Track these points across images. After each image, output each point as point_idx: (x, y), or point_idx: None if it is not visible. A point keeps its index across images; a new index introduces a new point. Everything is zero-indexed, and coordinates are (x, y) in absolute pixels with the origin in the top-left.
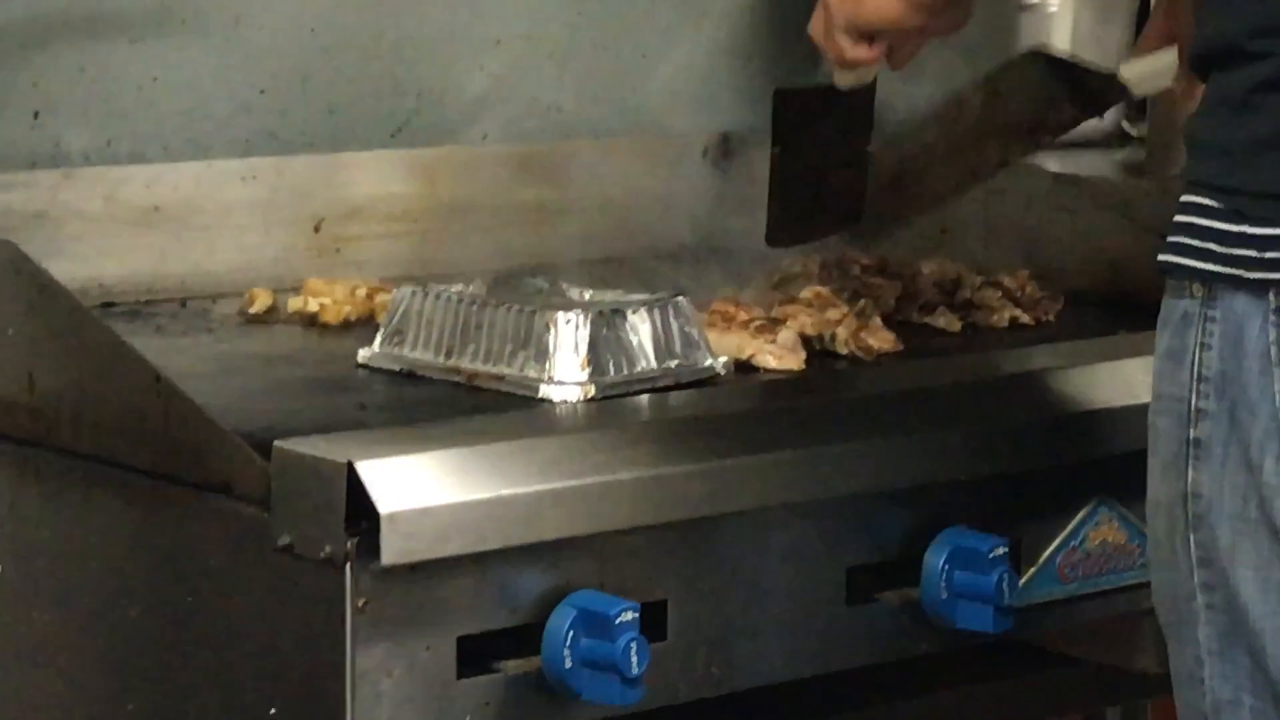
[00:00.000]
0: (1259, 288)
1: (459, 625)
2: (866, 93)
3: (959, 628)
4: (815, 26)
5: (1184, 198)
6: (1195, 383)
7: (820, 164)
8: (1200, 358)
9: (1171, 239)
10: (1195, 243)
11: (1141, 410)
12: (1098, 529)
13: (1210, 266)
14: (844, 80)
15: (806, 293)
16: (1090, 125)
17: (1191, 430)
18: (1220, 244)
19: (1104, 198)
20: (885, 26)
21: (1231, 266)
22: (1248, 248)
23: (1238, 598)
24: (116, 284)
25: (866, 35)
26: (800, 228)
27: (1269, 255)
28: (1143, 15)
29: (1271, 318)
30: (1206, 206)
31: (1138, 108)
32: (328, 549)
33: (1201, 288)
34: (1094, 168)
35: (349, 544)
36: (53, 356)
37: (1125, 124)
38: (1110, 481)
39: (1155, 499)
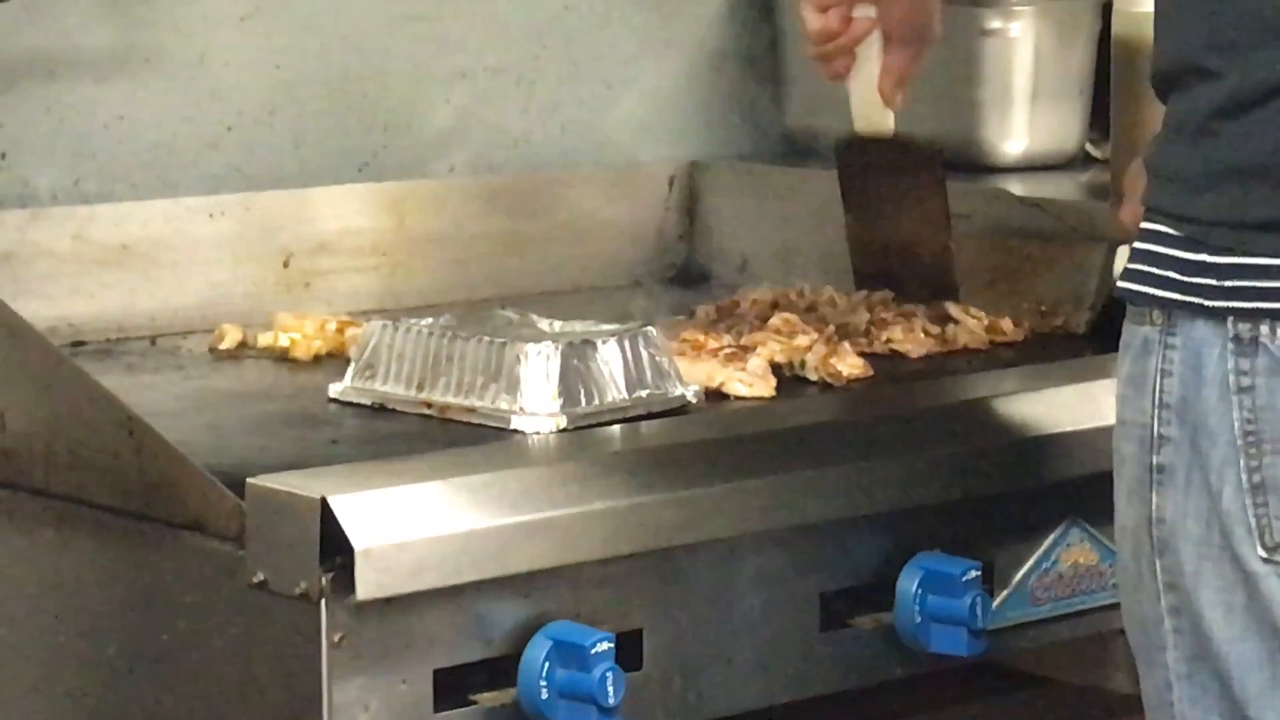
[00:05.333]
0: (1218, 316)
1: (435, 658)
2: (932, 154)
3: (933, 651)
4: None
5: (1143, 225)
6: (1157, 409)
7: (897, 237)
8: (1161, 384)
9: (1131, 266)
10: (1154, 270)
11: (1110, 432)
12: (1069, 550)
13: (1169, 294)
14: (859, 120)
15: (775, 320)
16: (1054, 147)
17: (1155, 456)
18: (1179, 272)
19: (1068, 220)
20: None
21: (1191, 295)
22: (1206, 276)
23: (1202, 622)
24: (86, 323)
25: (822, 5)
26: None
27: (1228, 284)
28: (1104, 39)
29: (1230, 345)
30: (1165, 234)
31: (1101, 129)
32: (302, 585)
33: (1161, 315)
34: (1058, 190)
35: (324, 579)
36: (24, 397)
37: (1089, 146)
38: (1081, 503)
39: (1122, 523)
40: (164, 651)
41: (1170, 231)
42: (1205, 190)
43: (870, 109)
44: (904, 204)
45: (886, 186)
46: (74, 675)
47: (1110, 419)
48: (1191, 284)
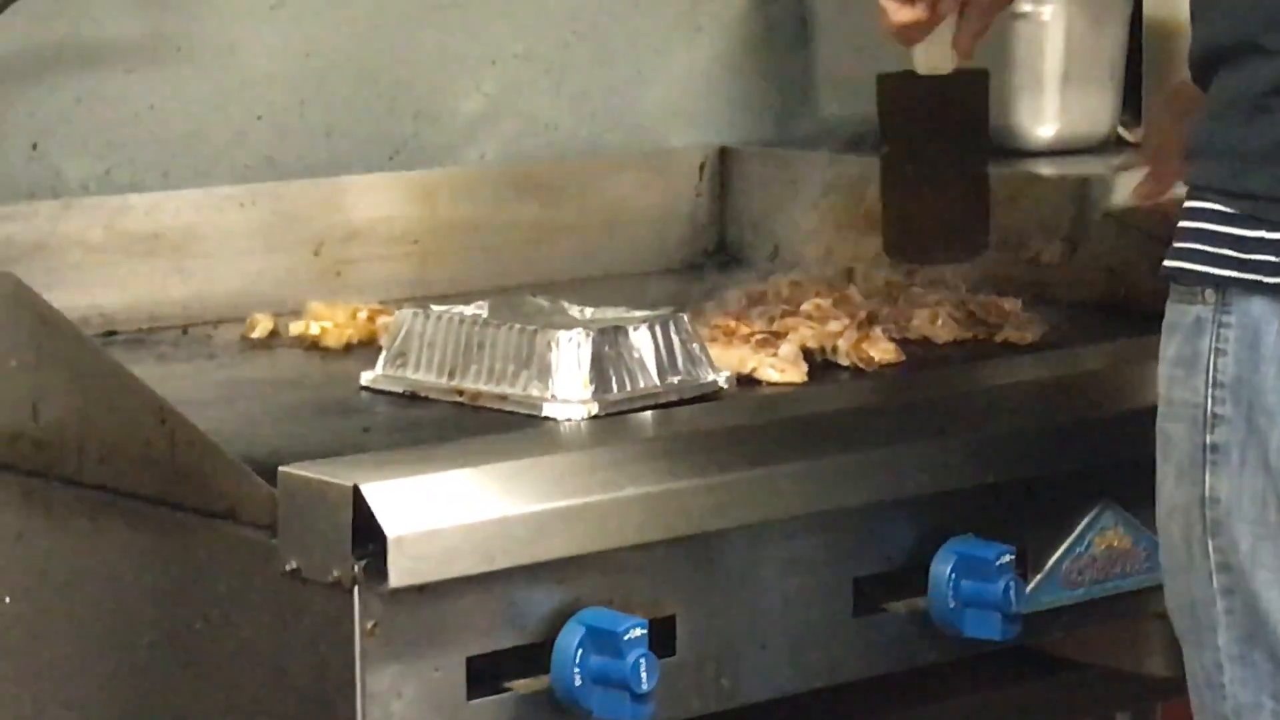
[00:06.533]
0: (1276, 292)
1: (468, 646)
2: (978, 96)
3: (967, 636)
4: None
5: (1191, 203)
6: (1210, 388)
7: (933, 173)
8: (1215, 363)
9: (1179, 244)
10: (1208, 248)
11: (1142, 415)
12: (1103, 534)
13: (1225, 272)
14: (920, 63)
15: (807, 305)
16: (1086, 130)
17: (1208, 435)
18: (1236, 249)
19: (1101, 203)
20: None
21: (1249, 272)
22: (1265, 252)
23: (1258, 601)
24: (118, 312)
25: None
26: (918, 246)
27: None
28: (1136, 21)
29: None
30: (1218, 212)
31: (1133, 112)
32: (335, 573)
33: (1215, 293)
34: (1090, 173)
35: (356, 567)
36: (57, 387)
37: (1121, 129)
38: (1114, 486)
39: (1170, 504)
40: (197, 640)
41: (1223, 209)
42: (1262, 166)
43: (935, 56)
44: (946, 141)
45: (929, 123)
46: (107, 663)
47: (1143, 402)
48: (1249, 261)
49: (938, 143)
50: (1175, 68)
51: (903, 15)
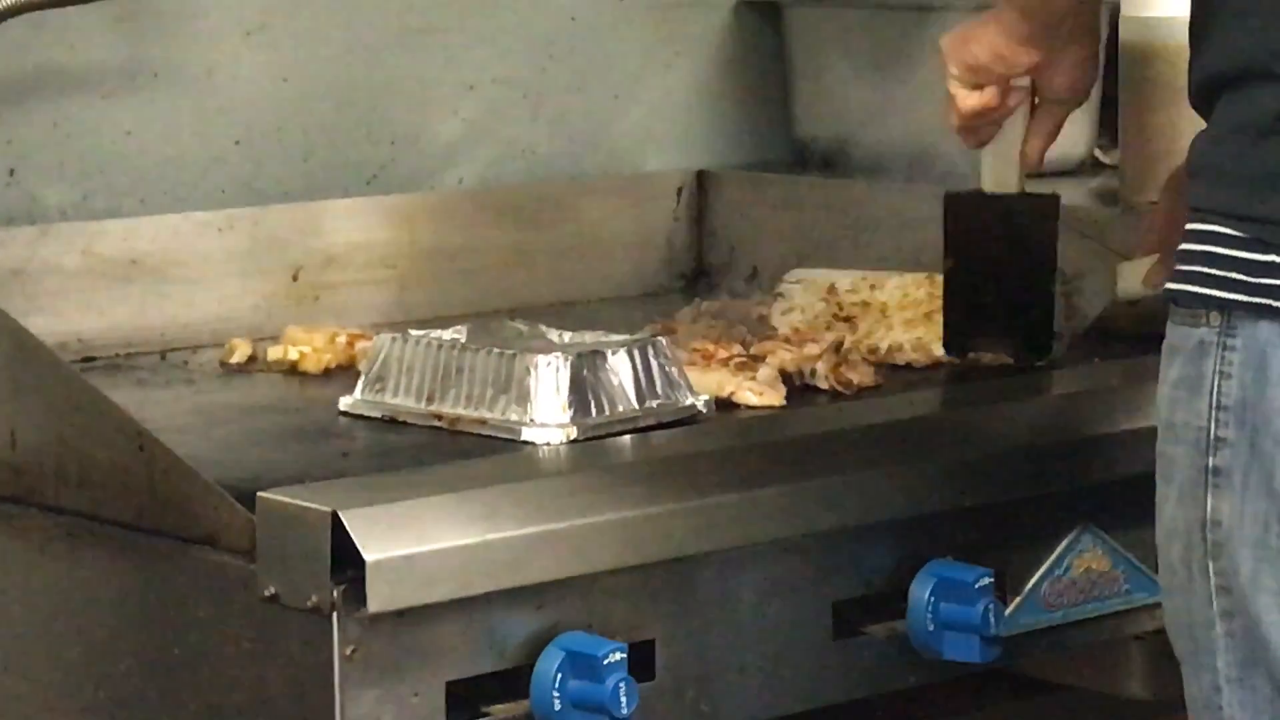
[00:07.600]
0: None
1: (447, 670)
2: (1048, 222)
3: (946, 659)
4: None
5: (1195, 225)
6: (1214, 411)
7: (998, 284)
8: (1219, 386)
9: (1183, 267)
10: (1214, 271)
11: (1123, 438)
12: (1082, 557)
13: (1232, 295)
14: (987, 180)
15: (785, 329)
16: (1063, 153)
17: (1210, 458)
18: (1244, 273)
19: (1078, 226)
20: (990, 62)
21: (1257, 295)
22: (1274, 277)
23: (1259, 625)
24: (96, 338)
25: (977, 82)
26: (980, 341)
27: None
28: (1111, 45)
29: None
30: (1225, 235)
31: (1110, 135)
32: (314, 598)
33: (1219, 316)
34: (1067, 196)
35: (335, 592)
36: (34, 413)
37: (1098, 151)
38: (1093, 509)
39: (1171, 526)
40: (176, 666)
41: (1231, 232)
42: (1270, 191)
43: (1004, 169)
44: (1011, 256)
45: (996, 239)
46: (86, 690)
47: (1123, 425)
48: (1259, 285)
49: (1004, 265)
50: (1150, 92)
51: (970, 101)
